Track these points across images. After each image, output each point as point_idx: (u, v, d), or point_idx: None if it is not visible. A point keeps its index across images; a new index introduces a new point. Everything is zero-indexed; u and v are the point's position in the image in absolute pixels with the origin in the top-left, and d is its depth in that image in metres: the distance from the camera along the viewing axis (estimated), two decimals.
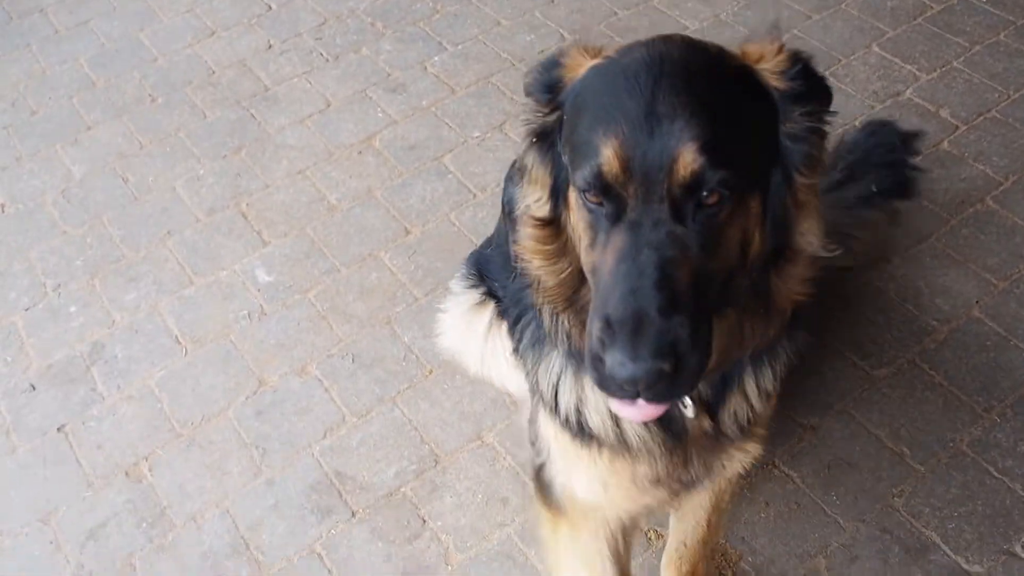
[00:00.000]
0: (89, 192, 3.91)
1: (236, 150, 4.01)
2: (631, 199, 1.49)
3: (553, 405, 1.97)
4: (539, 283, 1.76)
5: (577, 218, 1.62)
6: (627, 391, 1.47)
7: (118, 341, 3.34)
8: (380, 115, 4.09)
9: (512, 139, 3.88)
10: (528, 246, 1.73)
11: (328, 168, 3.89)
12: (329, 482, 2.89)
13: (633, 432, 1.89)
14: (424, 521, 2.79)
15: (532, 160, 1.72)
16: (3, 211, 3.86)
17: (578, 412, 1.93)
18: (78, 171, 4.00)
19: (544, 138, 1.69)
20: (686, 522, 2.43)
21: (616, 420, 1.88)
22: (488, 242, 2.85)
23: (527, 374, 2.07)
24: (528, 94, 1.72)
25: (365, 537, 2.77)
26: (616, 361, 1.42)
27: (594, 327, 1.49)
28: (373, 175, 3.84)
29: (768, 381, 1.92)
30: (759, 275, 1.65)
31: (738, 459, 2.08)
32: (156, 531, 2.83)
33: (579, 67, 1.66)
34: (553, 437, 2.08)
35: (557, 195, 1.69)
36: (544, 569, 2.60)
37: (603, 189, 1.50)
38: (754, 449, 2.08)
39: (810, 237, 1.64)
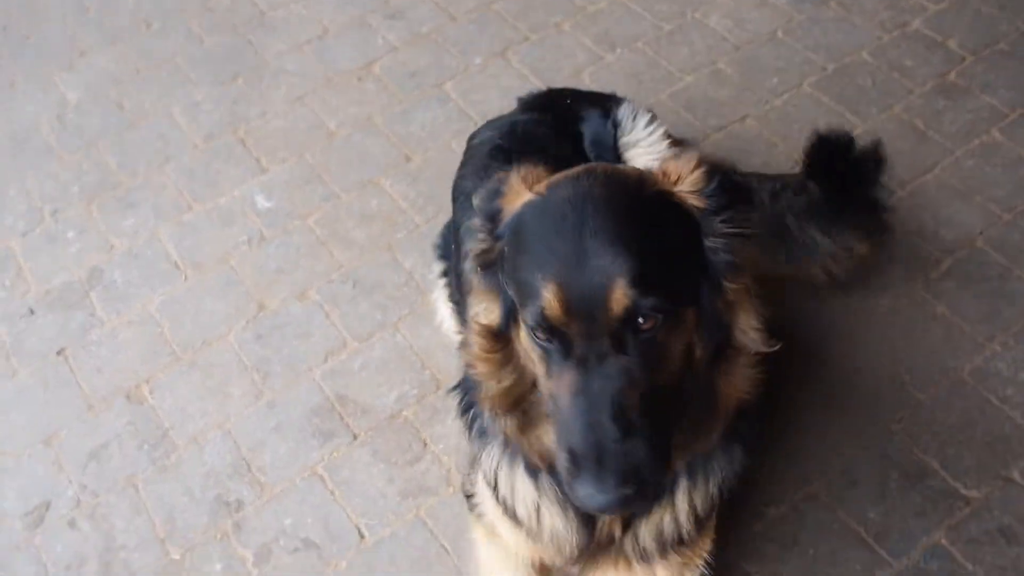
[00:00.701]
0: (85, 117, 3.86)
1: (233, 76, 3.95)
2: (575, 336, 1.58)
3: (492, 486, 2.10)
4: (483, 388, 1.83)
5: (530, 347, 1.70)
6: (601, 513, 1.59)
7: (117, 266, 3.32)
8: (380, 41, 4.02)
9: (514, 66, 3.83)
10: (475, 353, 1.81)
11: (327, 95, 3.84)
12: (331, 405, 2.90)
13: (549, 528, 2.02)
14: (425, 444, 2.80)
15: (478, 283, 1.80)
16: None
17: (511, 499, 2.06)
18: (73, 96, 3.95)
19: (488, 267, 1.77)
20: None
21: (538, 514, 2.02)
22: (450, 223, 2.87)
23: (474, 454, 2.17)
24: (477, 212, 1.81)
25: (367, 460, 2.78)
26: (586, 494, 1.55)
27: (561, 457, 1.62)
28: (373, 102, 3.78)
29: (701, 500, 1.99)
30: (704, 377, 1.74)
31: None
32: (158, 452, 2.84)
33: (517, 199, 1.74)
34: (487, 497, 2.21)
35: (508, 315, 1.76)
36: None
37: (549, 330, 1.59)
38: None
39: (751, 333, 1.73)
